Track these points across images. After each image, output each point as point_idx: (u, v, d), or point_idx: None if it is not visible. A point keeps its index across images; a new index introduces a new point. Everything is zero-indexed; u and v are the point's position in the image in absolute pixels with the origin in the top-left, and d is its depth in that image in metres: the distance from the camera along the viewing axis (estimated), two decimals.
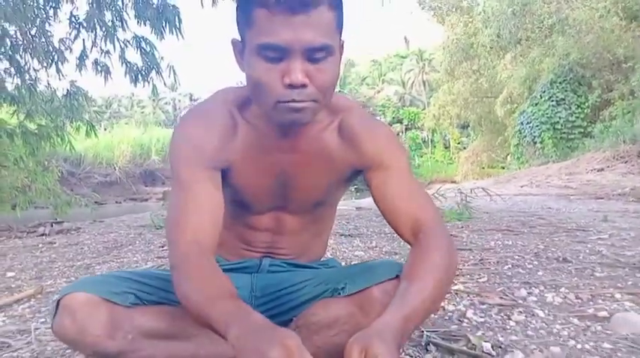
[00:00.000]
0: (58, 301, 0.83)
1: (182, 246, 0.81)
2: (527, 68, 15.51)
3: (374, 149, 0.90)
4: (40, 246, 3.56)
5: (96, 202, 9.30)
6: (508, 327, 1.22)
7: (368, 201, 5.58)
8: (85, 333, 0.81)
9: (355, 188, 14.35)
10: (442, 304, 1.42)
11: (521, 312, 1.32)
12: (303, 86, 0.74)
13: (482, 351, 1.05)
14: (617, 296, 1.42)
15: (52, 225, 4.66)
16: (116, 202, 17.15)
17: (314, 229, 1.05)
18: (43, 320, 1.50)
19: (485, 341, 1.09)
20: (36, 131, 5.29)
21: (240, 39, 0.81)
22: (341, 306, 0.88)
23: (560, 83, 15.04)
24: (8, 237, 4.27)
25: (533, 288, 1.57)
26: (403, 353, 1.05)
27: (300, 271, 1.04)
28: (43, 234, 4.34)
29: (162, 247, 3.10)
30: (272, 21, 0.72)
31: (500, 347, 1.07)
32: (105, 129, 22.75)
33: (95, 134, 5.91)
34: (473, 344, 1.08)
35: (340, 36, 0.80)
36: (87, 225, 5.25)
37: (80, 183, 16.85)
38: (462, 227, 3.41)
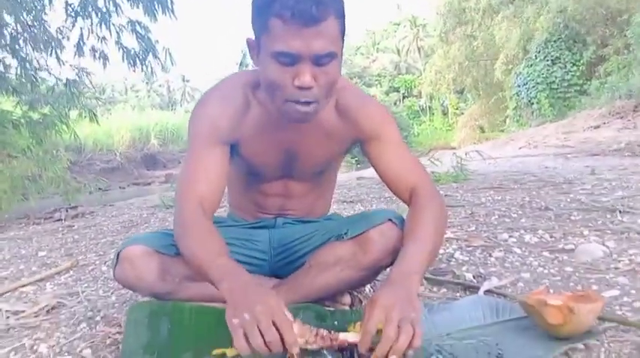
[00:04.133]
0: (119, 253, 1.03)
1: (188, 208, 0.95)
2: (521, 28, 15.42)
3: (369, 124, 1.05)
4: (61, 229, 3.77)
5: (100, 188, 9.53)
6: (488, 262, 1.43)
7: (369, 172, 5.75)
8: (142, 278, 1.01)
9: (356, 160, 14.53)
10: None
11: (501, 250, 1.53)
12: (310, 88, 0.87)
13: (465, 280, 1.25)
14: (585, 233, 1.63)
15: (67, 211, 4.87)
16: (120, 187, 17.30)
17: (318, 192, 1.23)
18: (85, 285, 1.71)
19: (468, 273, 1.30)
20: (40, 120, 5.40)
21: (254, 37, 0.92)
22: (345, 247, 1.06)
23: (554, 42, 14.94)
24: (27, 223, 4.49)
25: (514, 232, 1.77)
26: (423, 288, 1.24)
27: (309, 224, 1.23)
28: (59, 219, 4.54)
29: None
30: (286, 31, 0.83)
31: (480, 276, 1.28)
32: (102, 116, 22.78)
33: (97, 121, 6.04)
34: (457, 275, 1.29)
35: (343, 39, 0.91)
36: (99, 209, 5.47)
37: (83, 171, 16.98)
38: (457, 187, 3.60)
